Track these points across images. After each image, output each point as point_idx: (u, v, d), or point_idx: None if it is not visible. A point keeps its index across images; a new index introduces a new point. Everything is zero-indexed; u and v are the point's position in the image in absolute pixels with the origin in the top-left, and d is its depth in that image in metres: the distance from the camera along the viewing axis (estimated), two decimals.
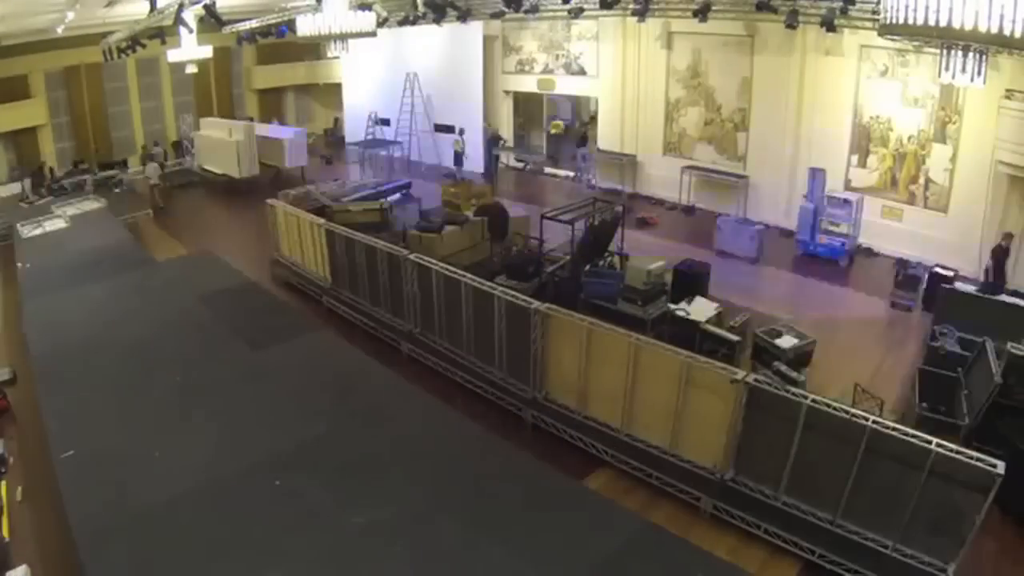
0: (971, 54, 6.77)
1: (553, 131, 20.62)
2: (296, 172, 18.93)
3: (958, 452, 4.83)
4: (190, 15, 12.98)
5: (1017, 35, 4.91)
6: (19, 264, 12.96)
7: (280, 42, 19.13)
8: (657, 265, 8.42)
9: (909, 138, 12.14)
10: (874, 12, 9.90)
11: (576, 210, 9.89)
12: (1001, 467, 4.64)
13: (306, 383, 8.28)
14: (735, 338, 7.85)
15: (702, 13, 12.30)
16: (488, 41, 19.46)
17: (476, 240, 11.52)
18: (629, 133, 16.93)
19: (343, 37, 10.94)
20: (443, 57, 20.05)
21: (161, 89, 22.73)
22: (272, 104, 25.80)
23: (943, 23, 5.28)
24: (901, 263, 10.92)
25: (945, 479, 4.90)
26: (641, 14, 13.36)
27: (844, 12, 10.96)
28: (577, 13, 14.86)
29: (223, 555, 5.41)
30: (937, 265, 10.40)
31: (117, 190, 19.02)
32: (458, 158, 19.24)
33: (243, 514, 5.89)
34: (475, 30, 18.32)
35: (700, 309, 7.99)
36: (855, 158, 12.97)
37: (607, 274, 9.11)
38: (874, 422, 5.16)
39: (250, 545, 5.53)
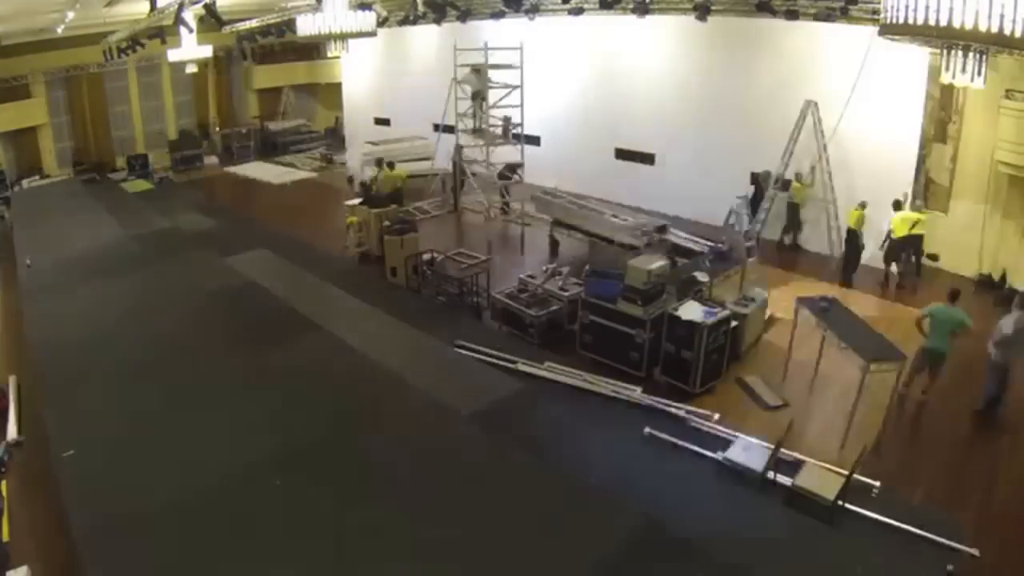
0: (971, 54, 6.77)
1: None
2: None
3: None
4: (190, 15, 13.00)
5: (1017, 35, 4.90)
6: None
7: (280, 41, 19.17)
8: (658, 265, 8.41)
9: None
10: (874, 12, 9.93)
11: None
12: None
13: (309, 383, 8.29)
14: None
15: (702, 12, 12.33)
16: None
17: None
18: None
19: (343, 37, 10.95)
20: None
21: (161, 89, 22.78)
22: (271, 103, 25.88)
23: (943, 23, 5.28)
24: None
25: None
26: (641, 13, 13.40)
27: (844, 12, 11.00)
28: (577, 13, 14.89)
29: (224, 555, 5.42)
30: None
31: None
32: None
33: (244, 514, 5.89)
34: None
35: (691, 309, 7.97)
36: None
37: (608, 274, 9.11)
38: None
39: (251, 545, 5.53)
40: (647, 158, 15.47)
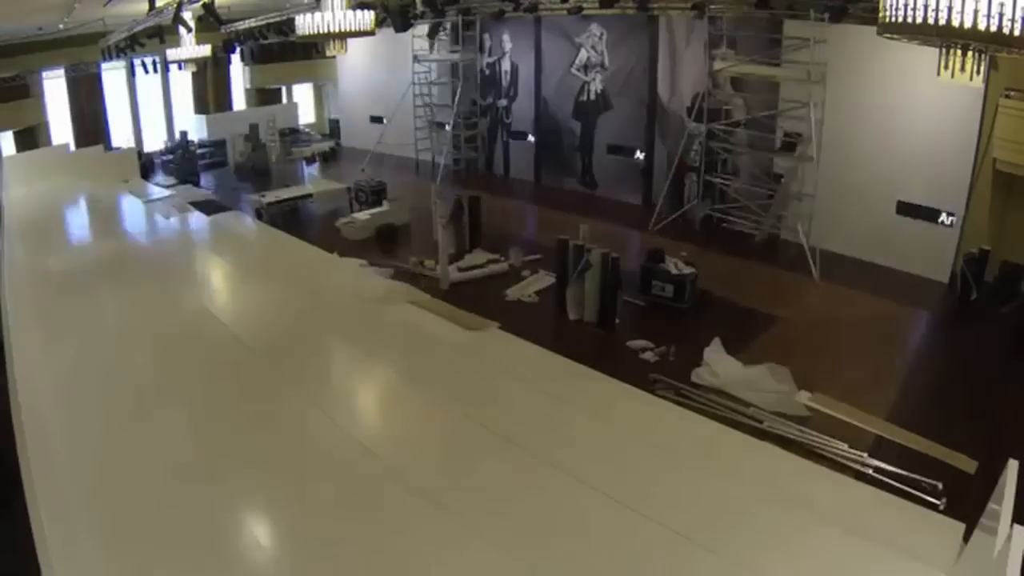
0: (970, 53, 6.77)
1: None
2: None
3: None
4: (189, 14, 12.98)
5: (1016, 34, 4.90)
6: None
7: (278, 41, 19.09)
8: None
9: None
10: (874, 11, 9.94)
11: None
12: None
13: None
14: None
15: (700, 10, 12.35)
16: None
17: None
18: None
19: (342, 36, 10.92)
20: None
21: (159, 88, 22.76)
22: (270, 103, 25.73)
23: (943, 22, 5.28)
24: None
25: None
26: (641, 11, 13.43)
27: (844, 11, 11.02)
28: (576, 12, 14.90)
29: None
30: None
31: None
32: None
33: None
34: None
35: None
36: None
37: None
38: None
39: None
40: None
